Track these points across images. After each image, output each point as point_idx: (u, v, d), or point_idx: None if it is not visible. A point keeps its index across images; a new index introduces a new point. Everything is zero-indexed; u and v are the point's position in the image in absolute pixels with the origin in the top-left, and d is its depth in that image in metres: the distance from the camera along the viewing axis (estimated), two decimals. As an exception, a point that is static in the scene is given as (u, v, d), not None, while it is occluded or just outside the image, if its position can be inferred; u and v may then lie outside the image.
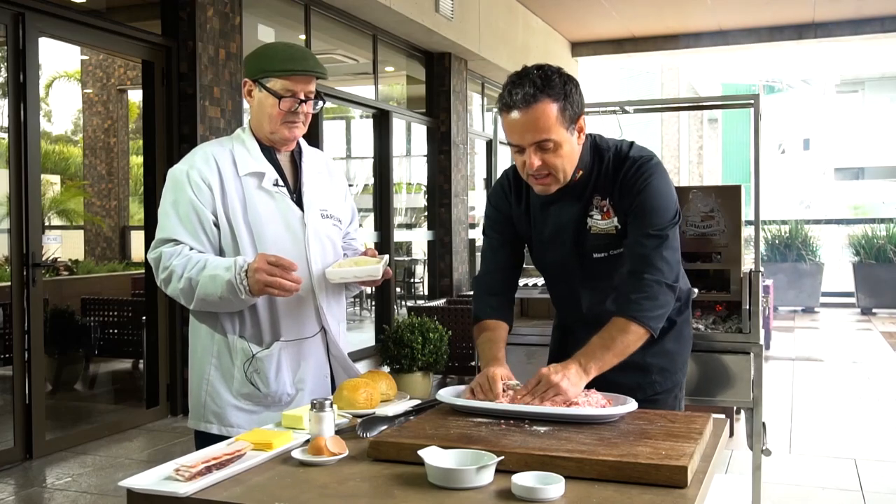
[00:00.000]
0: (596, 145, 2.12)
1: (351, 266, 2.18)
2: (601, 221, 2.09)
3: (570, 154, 2.01)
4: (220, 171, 2.14)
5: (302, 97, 2.14)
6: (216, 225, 2.12)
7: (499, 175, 2.34)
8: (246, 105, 2.25)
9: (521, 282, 3.24)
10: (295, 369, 2.19)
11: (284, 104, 2.13)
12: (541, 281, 3.31)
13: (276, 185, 2.18)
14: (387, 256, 2.24)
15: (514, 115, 1.96)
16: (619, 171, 2.08)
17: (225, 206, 2.12)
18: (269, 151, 2.21)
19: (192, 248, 2.10)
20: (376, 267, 2.16)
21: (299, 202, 2.21)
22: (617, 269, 2.11)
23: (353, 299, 2.46)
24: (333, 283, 2.21)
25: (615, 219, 2.08)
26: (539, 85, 1.93)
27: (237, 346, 2.15)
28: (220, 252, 2.13)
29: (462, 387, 2.04)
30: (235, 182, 2.14)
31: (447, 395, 1.95)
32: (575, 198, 2.11)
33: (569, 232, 2.12)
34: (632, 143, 2.14)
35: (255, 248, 2.11)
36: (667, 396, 2.18)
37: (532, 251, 2.27)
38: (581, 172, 2.08)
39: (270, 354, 2.15)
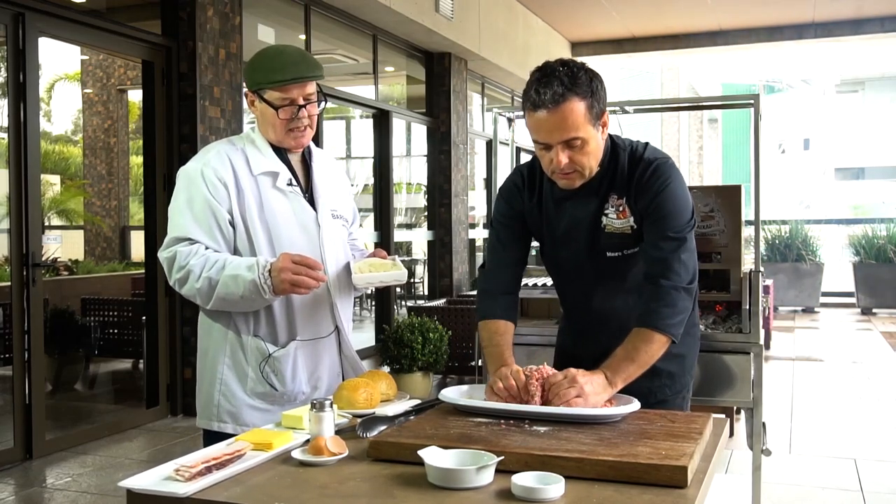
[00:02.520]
0: (612, 143, 2.11)
1: (367, 269, 2.20)
2: (616, 220, 2.08)
3: (595, 150, 2.01)
4: (234, 170, 2.12)
5: (301, 102, 2.12)
6: (231, 224, 2.10)
7: (500, 176, 2.34)
8: (246, 105, 2.25)
9: (522, 281, 3.23)
10: (311, 368, 2.19)
11: (283, 113, 2.11)
12: (541, 281, 3.30)
13: (290, 184, 2.17)
14: (396, 257, 2.29)
15: (542, 113, 1.93)
16: (635, 171, 2.07)
17: (241, 205, 2.10)
18: (280, 152, 2.20)
19: (207, 248, 2.08)
20: (402, 272, 2.20)
21: (311, 202, 2.21)
22: (630, 269, 2.10)
23: (354, 299, 2.48)
24: (342, 284, 2.23)
25: (631, 218, 2.07)
26: (567, 83, 1.91)
27: (251, 346, 2.14)
28: (235, 252, 2.12)
29: (465, 387, 2.04)
30: (250, 181, 2.13)
31: (449, 394, 1.95)
32: (590, 195, 2.09)
33: (583, 229, 2.11)
34: (646, 144, 2.13)
35: (271, 248, 2.10)
36: (675, 398, 2.18)
37: (543, 249, 2.26)
38: (598, 168, 2.07)
39: (287, 354, 2.15)
